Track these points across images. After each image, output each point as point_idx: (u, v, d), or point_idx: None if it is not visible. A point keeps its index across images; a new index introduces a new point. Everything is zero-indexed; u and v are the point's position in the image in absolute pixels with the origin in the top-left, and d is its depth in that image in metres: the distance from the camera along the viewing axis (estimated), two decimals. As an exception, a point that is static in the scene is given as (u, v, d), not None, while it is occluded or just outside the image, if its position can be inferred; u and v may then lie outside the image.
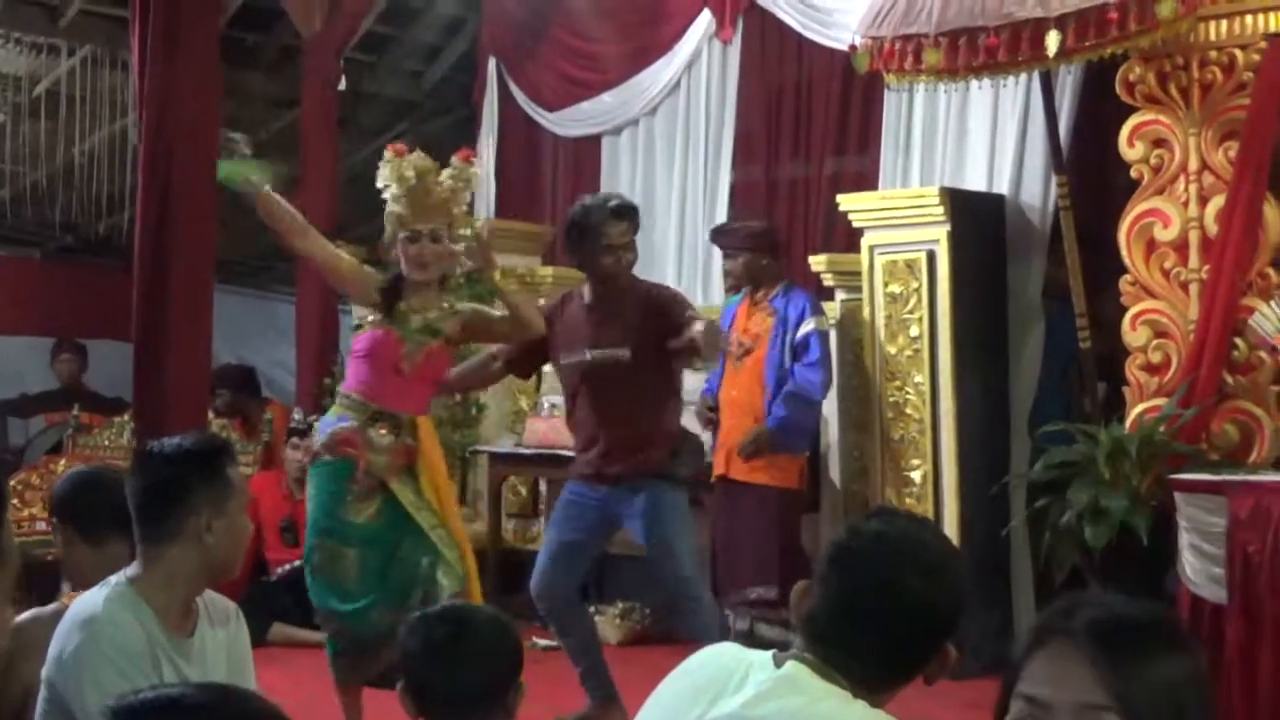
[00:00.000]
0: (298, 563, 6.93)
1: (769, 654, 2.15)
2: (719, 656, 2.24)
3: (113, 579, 2.92)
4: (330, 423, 4.91)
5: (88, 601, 2.86)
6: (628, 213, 5.17)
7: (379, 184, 4.90)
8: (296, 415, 7.50)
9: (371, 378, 4.85)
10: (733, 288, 6.57)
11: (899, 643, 2.10)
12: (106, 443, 7.46)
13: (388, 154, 4.90)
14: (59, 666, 2.78)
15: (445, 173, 4.91)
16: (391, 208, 4.87)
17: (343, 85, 8.58)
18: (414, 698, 2.71)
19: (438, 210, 4.88)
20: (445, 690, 2.69)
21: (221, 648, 2.97)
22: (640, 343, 5.09)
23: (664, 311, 5.11)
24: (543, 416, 7.19)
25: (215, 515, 2.92)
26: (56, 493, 3.53)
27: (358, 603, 4.79)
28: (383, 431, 4.82)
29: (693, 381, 6.84)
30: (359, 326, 4.96)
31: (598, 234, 5.07)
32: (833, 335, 6.68)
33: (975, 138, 6.83)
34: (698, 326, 4.84)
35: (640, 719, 2.27)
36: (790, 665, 2.09)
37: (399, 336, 4.83)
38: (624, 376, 5.10)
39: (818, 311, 6.35)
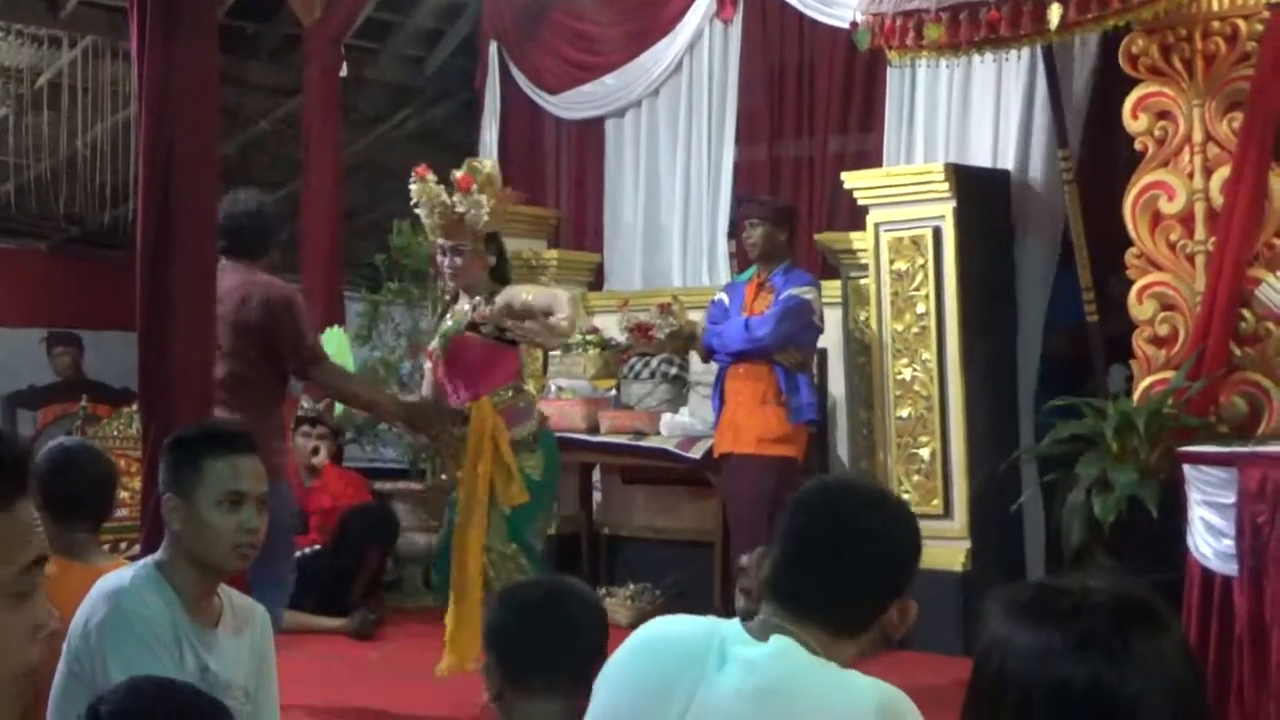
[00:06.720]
0: (308, 550, 6.97)
1: (736, 624, 2.13)
2: (684, 631, 2.18)
3: (140, 561, 2.96)
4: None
5: (115, 577, 2.90)
6: None
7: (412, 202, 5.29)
8: (305, 403, 7.46)
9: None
10: (749, 259, 6.49)
11: (854, 580, 2.12)
12: (115, 433, 7.44)
13: (415, 175, 5.26)
14: (83, 636, 2.81)
15: (456, 197, 5.21)
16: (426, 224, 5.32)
17: (344, 72, 8.55)
18: (501, 671, 2.64)
19: (456, 229, 5.21)
20: (534, 662, 2.63)
21: (245, 646, 2.98)
22: None
23: None
24: (551, 399, 7.18)
25: (181, 503, 2.90)
26: (35, 466, 3.55)
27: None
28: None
29: (699, 364, 6.85)
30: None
31: None
32: (838, 313, 6.66)
33: (979, 113, 6.80)
34: None
35: (604, 705, 2.17)
36: (774, 640, 2.06)
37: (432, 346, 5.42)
38: None
39: (808, 284, 6.24)
